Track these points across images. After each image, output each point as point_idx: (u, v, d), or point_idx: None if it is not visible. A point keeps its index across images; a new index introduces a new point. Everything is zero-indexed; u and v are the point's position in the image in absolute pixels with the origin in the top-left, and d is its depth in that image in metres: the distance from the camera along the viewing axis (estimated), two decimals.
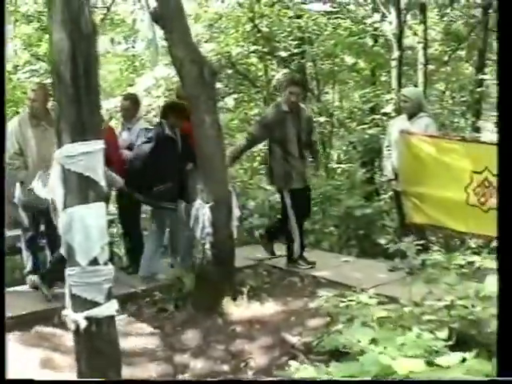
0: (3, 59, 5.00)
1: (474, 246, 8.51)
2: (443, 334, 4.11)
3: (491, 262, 4.99)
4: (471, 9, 12.79)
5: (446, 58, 17.24)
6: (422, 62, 14.09)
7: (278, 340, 5.64)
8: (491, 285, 4.46)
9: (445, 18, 16.51)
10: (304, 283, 7.25)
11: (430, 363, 3.21)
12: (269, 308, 6.42)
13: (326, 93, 17.87)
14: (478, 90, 15.26)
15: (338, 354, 4.30)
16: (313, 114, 8.42)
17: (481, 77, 15.25)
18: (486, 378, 3.37)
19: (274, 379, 3.29)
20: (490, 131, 14.96)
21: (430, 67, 15.63)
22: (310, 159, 8.28)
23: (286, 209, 7.83)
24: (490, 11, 13.57)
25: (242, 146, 8.09)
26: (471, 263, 5.24)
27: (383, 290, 6.04)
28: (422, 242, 5.92)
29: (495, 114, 18.23)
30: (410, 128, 7.57)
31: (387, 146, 7.88)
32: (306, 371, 3.46)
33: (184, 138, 7.37)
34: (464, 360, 3.20)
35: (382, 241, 8.59)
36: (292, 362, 4.05)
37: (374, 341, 3.87)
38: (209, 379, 3.16)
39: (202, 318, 6.18)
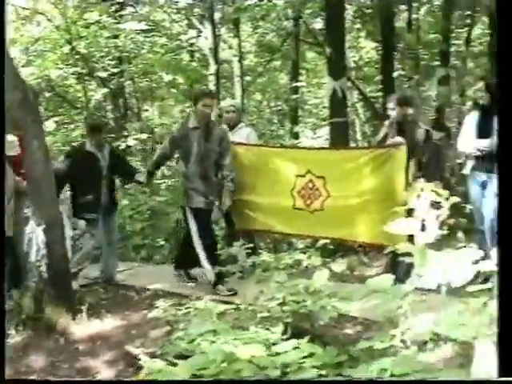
0: (3, 59, 4.72)
1: (301, 246, 8.99)
2: (279, 328, 4.41)
3: (317, 260, 5.38)
4: (282, 21, 13.42)
5: (260, 69, 17.86)
6: (238, 74, 14.60)
7: (122, 353, 5.74)
8: (318, 280, 4.82)
9: (258, 31, 17.10)
10: (141, 296, 7.39)
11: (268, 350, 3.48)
12: (109, 323, 6.50)
13: (146, 110, 18.06)
14: (294, 97, 15.97)
15: (184, 358, 4.50)
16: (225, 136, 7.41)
17: (295, 84, 15.98)
18: (486, 378, 3.66)
19: (273, 379, 3.39)
20: (307, 137, 15.72)
21: (247, 79, 16.20)
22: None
23: (188, 230, 7.41)
24: (300, 22, 14.28)
25: (152, 161, 8.01)
26: (299, 262, 5.60)
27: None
28: (250, 245, 6.29)
29: (312, 120, 19.23)
30: (234, 138, 7.83)
31: None
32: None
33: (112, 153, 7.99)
34: (298, 346, 3.50)
35: None
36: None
37: (213, 342, 4.11)
38: (208, 379, 3.19)
39: (44, 340, 6.17)
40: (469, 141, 6.81)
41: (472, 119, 6.94)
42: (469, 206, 7.38)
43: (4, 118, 5.53)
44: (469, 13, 14.54)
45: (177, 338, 4.82)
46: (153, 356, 5.22)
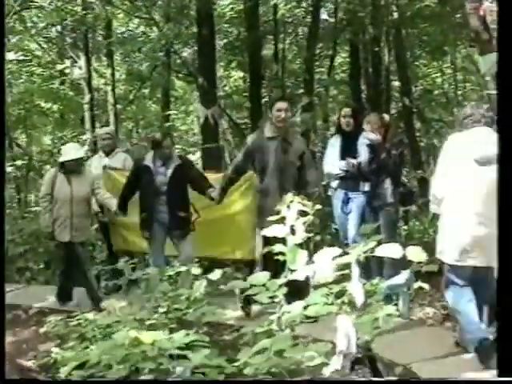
0: (3, 60, 4.70)
1: None
2: (166, 333, 4.91)
3: (197, 270, 5.89)
4: (156, 53, 13.95)
5: (131, 97, 18.29)
6: (111, 102, 15.00)
7: (14, 366, 6.05)
8: (198, 290, 5.34)
9: (127, 59, 17.52)
10: (28, 314, 7.70)
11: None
12: None
13: (16, 138, 18.07)
14: (166, 125, 16.51)
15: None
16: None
17: (168, 112, 16.52)
18: (487, 378, 4.14)
19: (277, 379, 3.69)
20: None
21: (119, 106, 16.61)
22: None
23: None
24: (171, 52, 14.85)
25: (226, 177, 7.19)
26: (180, 273, 6.09)
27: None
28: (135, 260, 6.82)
29: (182, 146, 19.82)
30: (111, 164, 8.31)
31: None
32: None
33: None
34: (188, 334, 4.05)
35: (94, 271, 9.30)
36: None
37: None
38: (209, 379, 3.46)
39: None
40: (333, 162, 7.21)
41: (335, 142, 7.34)
42: (333, 226, 8.02)
43: (4, 118, 5.55)
44: (331, 44, 15.59)
45: (68, 348, 5.17)
46: (45, 368, 5.57)
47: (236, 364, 3.67)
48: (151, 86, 18.08)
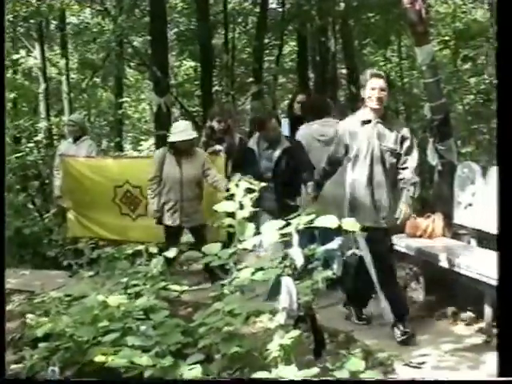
0: (3, 59, 4.75)
1: None
2: None
3: (154, 249, 6.24)
4: (110, 42, 14.22)
5: (84, 86, 18.50)
6: (65, 90, 15.24)
7: None
8: (155, 266, 5.74)
9: (80, 48, 17.72)
10: None
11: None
12: None
13: None
14: (119, 112, 16.77)
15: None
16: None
17: (120, 100, 16.80)
18: (487, 379, 4.35)
19: (276, 379, 3.90)
20: (130, 149, 16.68)
21: (72, 95, 16.84)
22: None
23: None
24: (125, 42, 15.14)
25: (321, 171, 6.40)
26: (138, 252, 6.46)
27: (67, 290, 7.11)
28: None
29: (135, 133, 20.16)
30: (76, 150, 8.59)
31: (56, 168, 8.79)
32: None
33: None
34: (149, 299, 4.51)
35: (52, 253, 9.67)
36: None
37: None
38: (209, 379, 3.72)
39: None
40: None
41: (284, 128, 7.52)
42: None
43: (4, 118, 5.62)
44: (279, 34, 16.05)
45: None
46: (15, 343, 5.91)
47: (192, 324, 4.15)
48: (104, 74, 18.33)
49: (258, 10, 15.12)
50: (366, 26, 16.10)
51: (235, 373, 4.12)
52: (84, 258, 6.97)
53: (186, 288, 6.25)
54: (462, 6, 17.44)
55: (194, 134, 7.40)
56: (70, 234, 8.67)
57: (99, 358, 3.65)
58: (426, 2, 7.29)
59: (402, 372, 5.01)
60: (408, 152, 5.77)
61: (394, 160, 5.75)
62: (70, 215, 8.59)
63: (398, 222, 5.76)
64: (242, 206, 4.19)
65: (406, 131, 5.81)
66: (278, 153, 6.80)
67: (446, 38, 16.39)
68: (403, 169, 5.76)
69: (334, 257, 4.81)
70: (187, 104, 16.98)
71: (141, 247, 6.32)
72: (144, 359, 3.60)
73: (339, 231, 3.91)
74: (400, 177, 5.77)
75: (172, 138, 7.24)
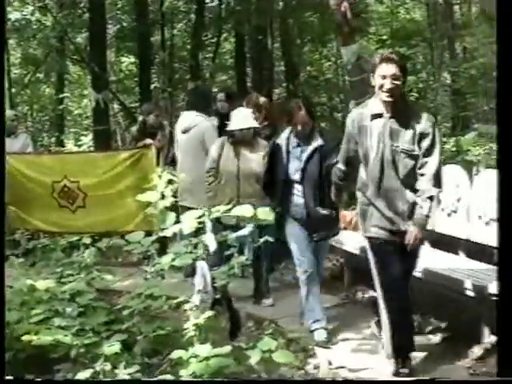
0: (3, 60, 4.69)
1: None
2: None
3: (87, 239, 6.48)
4: (50, 39, 14.28)
5: (26, 81, 18.50)
6: (6, 86, 15.25)
7: None
8: (88, 257, 5.99)
9: (22, 43, 17.71)
10: None
11: None
12: None
13: None
14: (60, 107, 16.85)
15: None
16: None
17: (61, 96, 16.89)
18: (487, 379, 4.36)
19: (276, 379, 4.05)
20: (71, 144, 16.85)
21: (13, 90, 16.87)
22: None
23: None
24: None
25: (338, 172, 5.28)
26: (72, 243, 6.68)
27: None
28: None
29: (76, 129, 20.23)
30: (10, 146, 8.61)
31: None
32: None
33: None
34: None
35: None
36: None
37: None
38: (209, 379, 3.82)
39: None
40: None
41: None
42: None
43: (4, 117, 5.69)
44: (217, 31, 16.33)
45: None
46: None
47: (116, 307, 4.46)
48: (45, 70, 18.34)
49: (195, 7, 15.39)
50: (305, 24, 16.43)
51: (157, 353, 4.43)
52: (20, 249, 7.17)
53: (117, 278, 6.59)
54: (400, 6, 17.91)
55: (255, 124, 6.69)
56: (11, 226, 8.75)
57: (26, 337, 3.93)
58: (354, 4, 7.65)
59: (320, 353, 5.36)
60: (427, 153, 4.73)
61: (412, 162, 4.74)
62: (10, 209, 8.67)
63: (408, 247, 4.73)
64: (163, 197, 4.50)
65: (426, 126, 4.74)
66: (308, 152, 5.78)
67: (384, 37, 16.80)
68: (421, 175, 4.74)
69: (245, 243, 5.14)
70: (127, 100, 17.17)
71: (75, 238, 6.59)
72: (68, 338, 3.90)
73: None
74: (416, 186, 4.75)
75: (230, 127, 6.59)
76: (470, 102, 14.78)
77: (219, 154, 6.62)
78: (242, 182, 6.49)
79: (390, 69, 4.65)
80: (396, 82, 4.66)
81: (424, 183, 4.67)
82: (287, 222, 5.84)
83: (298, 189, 5.77)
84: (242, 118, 6.56)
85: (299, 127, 5.74)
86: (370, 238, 4.89)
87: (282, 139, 5.96)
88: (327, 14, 14.02)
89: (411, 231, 4.66)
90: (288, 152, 5.87)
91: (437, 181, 4.69)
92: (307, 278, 5.68)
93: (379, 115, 4.76)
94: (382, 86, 4.67)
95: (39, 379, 4.06)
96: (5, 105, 5.90)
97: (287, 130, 5.96)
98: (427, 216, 4.68)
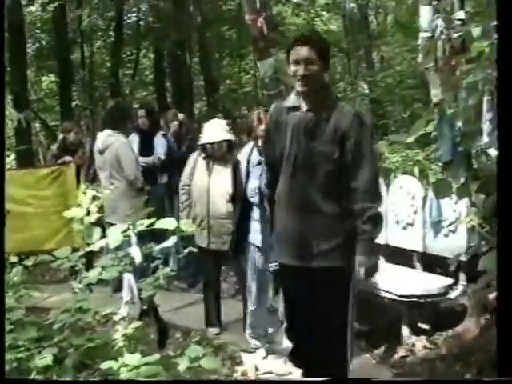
0: (3, 60, 4.54)
1: None
2: None
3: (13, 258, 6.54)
4: None
5: None
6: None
7: None
8: (15, 275, 6.06)
9: None
10: None
11: None
12: None
13: None
14: None
15: None
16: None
17: None
18: (486, 379, 4.28)
19: (276, 380, 3.87)
20: None
21: None
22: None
23: None
24: None
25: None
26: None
27: None
28: None
29: None
30: None
31: None
32: None
33: None
34: None
35: None
36: None
37: None
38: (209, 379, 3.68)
39: None
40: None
41: (133, 141, 7.88)
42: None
43: (4, 117, 5.49)
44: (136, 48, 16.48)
45: None
46: None
47: (46, 322, 4.55)
48: None
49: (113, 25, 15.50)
50: (223, 38, 16.68)
51: (88, 365, 4.55)
52: None
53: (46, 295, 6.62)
54: (317, 18, 18.32)
55: (229, 136, 6.08)
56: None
57: None
58: (270, 19, 7.85)
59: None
60: (356, 161, 3.78)
61: (332, 168, 3.84)
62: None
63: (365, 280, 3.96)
64: (89, 213, 4.63)
65: (350, 124, 3.80)
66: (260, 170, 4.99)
67: None
68: (352, 191, 3.79)
69: (170, 254, 5.30)
70: (48, 119, 17.10)
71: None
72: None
73: None
74: (349, 206, 3.82)
75: (201, 140, 6.12)
76: (388, 111, 15.22)
77: (192, 170, 6.20)
78: (213, 200, 6.03)
79: (304, 52, 3.82)
80: (311, 67, 3.81)
81: (358, 201, 3.77)
82: (246, 249, 5.34)
83: (254, 213, 5.22)
84: (214, 131, 6.02)
85: (260, 142, 5.04)
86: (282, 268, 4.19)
87: (243, 155, 5.37)
88: (244, 28, 14.41)
89: (360, 263, 3.84)
90: (248, 171, 5.27)
91: (374, 196, 3.83)
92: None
93: (295, 108, 3.96)
94: (295, 73, 3.85)
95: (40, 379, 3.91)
96: (5, 105, 5.68)
97: (249, 145, 5.39)
98: (372, 239, 3.87)
